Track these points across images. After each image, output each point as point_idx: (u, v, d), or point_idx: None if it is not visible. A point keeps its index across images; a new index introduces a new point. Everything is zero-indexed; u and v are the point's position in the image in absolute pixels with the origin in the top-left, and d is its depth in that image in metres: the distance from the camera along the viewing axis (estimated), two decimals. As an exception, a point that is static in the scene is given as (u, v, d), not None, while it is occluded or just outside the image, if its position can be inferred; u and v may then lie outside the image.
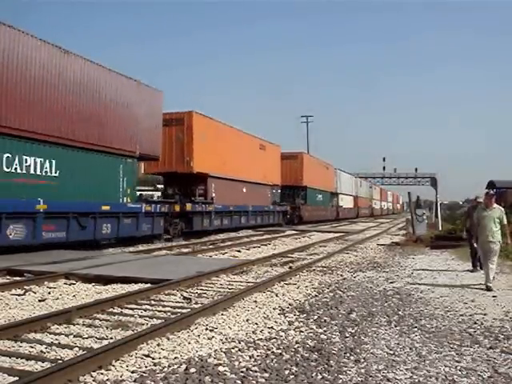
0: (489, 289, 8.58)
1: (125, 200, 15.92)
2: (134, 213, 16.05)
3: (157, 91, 17.96)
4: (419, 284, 9.45)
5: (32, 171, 12.52)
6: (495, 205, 9.05)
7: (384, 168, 73.02)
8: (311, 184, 36.30)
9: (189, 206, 19.45)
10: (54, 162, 13.14)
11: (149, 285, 8.31)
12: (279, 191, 32.24)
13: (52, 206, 12.73)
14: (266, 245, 18.23)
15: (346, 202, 50.67)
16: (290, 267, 11.48)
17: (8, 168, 11.88)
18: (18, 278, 9.00)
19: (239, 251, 15.74)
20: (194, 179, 20.87)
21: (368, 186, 66.58)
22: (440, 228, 26.44)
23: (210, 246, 16.96)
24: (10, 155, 11.92)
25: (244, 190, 25.29)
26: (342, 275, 10.49)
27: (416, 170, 74.01)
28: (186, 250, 15.73)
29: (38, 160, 12.71)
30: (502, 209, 9.16)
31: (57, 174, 13.27)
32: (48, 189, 12.88)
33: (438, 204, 48.06)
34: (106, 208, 14.68)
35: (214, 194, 21.77)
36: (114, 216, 15.14)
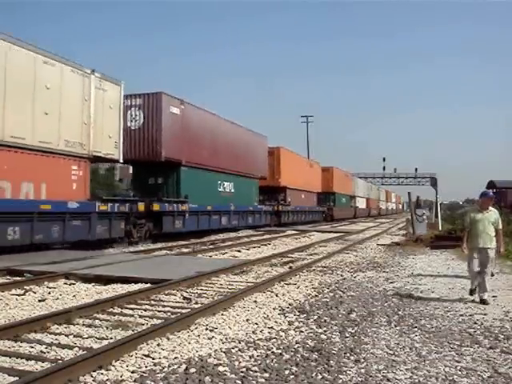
0: (484, 302, 7.57)
1: (254, 203, 27.44)
2: (259, 211, 27.74)
3: (264, 136, 29.37)
4: (419, 284, 9.46)
5: (226, 190, 23.85)
6: (491, 207, 8.29)
7: (384, 168, 73.33)
8: (338, 190, 46.38)
9: (280, 207, 30.91)
10: (233, 183, 24.45)
11: (149, 285, 8.31)
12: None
13: (235, 208, 23.89)
14: (265, 245, 18.24)
15: (361, 203, 60.01)
16: (290, 267, 11.48)
17: (219, 188, 23.17)
18: (18, 278, 8.99)
19: (239, 251, 15.74)
20: (278, 189, 31.72)
21: (376, 188, 72.95)
22: (440, 228, 26.41)
23: (210, 246, 16.96)
24: (219, 181, 23.20)
25: (302, 196, 36.31)
26: (342, 275, 10.49)
27: (416, 169, 74.23)
28: (185, 249, 15.75)
29: (228, 183, 24.04)
30: (497, 212, 8.41)
31: (233, 190, 24.45)
32: (231, 199, 23.90)
33: (438, 204, 47.98)
34: (250, 208, 26.37)
35: (289, 199, 32.66)
36: (252, 213, 26.77)
